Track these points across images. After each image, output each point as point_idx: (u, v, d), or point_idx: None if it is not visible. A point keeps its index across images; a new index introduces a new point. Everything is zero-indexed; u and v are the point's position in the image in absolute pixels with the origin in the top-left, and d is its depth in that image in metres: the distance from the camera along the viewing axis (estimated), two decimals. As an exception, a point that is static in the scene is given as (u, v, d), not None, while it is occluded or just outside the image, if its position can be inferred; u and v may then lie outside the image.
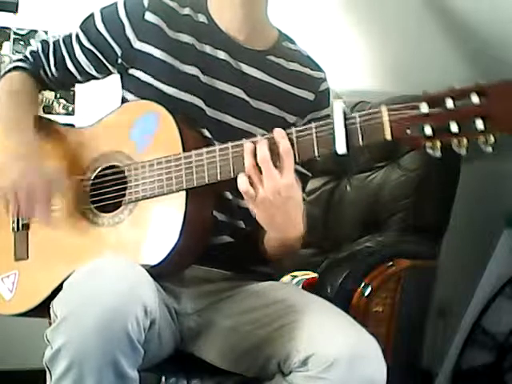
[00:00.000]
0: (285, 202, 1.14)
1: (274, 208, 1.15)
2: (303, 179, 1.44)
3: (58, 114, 2.37)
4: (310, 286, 1.68)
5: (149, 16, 1.37)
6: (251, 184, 1.14)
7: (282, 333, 1.19)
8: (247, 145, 1.16)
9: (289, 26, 1.53)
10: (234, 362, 1.28)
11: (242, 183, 1.15)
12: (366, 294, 1.58)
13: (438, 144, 1.03)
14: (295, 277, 1.77)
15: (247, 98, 1.38)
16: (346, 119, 1.09)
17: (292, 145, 1.14)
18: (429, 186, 1.84)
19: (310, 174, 1.46)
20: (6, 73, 1.48)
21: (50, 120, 1.48)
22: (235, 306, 1.32)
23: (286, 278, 1.77)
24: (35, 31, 2.35)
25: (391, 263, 1.64)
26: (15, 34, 2.33)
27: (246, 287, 1.37)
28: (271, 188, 1.13)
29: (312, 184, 1.58)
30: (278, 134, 1.15)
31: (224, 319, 1.32)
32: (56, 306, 1.07)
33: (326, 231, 1.97)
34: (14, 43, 2.33)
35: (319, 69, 1.47)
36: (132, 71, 1.38)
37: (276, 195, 1.13)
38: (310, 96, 1.44)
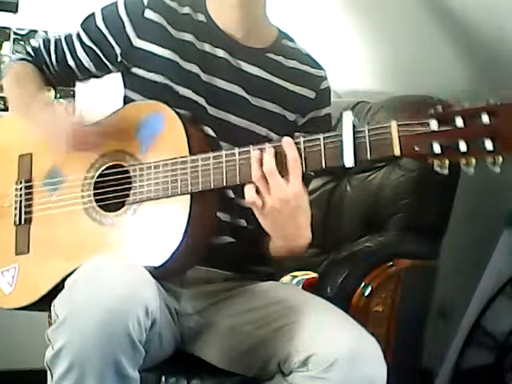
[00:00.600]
0: (293, 211, 1.15)
1: (282, 217, 1.15)
2: (307, 180, 1.45)
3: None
4: (309, 286, 1.68)
5: (149, 14, 1.37)
6: (258, 193, 1.14)
7: (282, 333, 1.19)
8: (254, 153, 1.15)
9: (289, 25, 1.53)
10: (234, 362, 1.28)
11: (250, 195, 1.15)
12: (366, 294, 1.58)
13: (446, 162, 1.03)
14: (295, 277, 1.77)
15: (247, 96, 1.39)
16: (354, 132, 1.09)
17: (300, 155, 1.13)
18: (429, 186, 1.83)
19: (313, 174, 1.46)
20: (10, 65, 1.49)
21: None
22: (235, 306, 1.33)
23: (286, 278, 1.77)
24: (35, 31, 2.35)
25: (391, 263, 1.64)
26: (15, 34, 2.33)
27: (247, 287, 1.37)
28: (278, 197, 1.13)
29: (312, 184, 1.57)
30: (287, 143, 1.14)
31: (224, 319, 1.32)
32: (57, 305, 1.07)
33: (326, 231, 1.97)
34: (13, 43, 2.33)
35: (319, 67, 1.47)
36: (134, 70, 1.39)
37: (283, 204, 1.13)
38: (311, 94, 1.44)
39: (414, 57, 2.28)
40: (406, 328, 1.71)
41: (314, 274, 1.76)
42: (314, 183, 2.01)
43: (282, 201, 1.13)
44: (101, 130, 1.34)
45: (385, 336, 1.61)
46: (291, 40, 1.48)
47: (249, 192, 1.15)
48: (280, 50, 1.44)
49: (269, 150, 1.14)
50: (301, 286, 1.72)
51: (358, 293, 1.57)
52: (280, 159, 1.14)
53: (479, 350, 2.25)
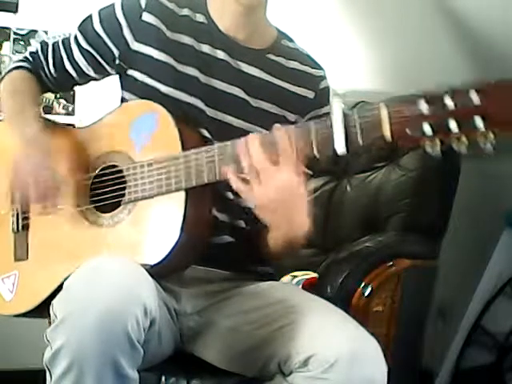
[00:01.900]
0: (286, 198, 1.14)
1: (276, 204, 1.15)
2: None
3: (57, 114, 2.37)
4: (309, 286, 1.68)
5: (146, 17, 1.37)
6: (248, 183, 1.14)
7: (283, 333, 1.19)
8: (240, 144, 1.16)
9: (288, 25, 1.53)
10: (234, 362, 1.28)
11: (232, 181, 1.16)
12: (366, 294, 1.58)
13: (438, 143, 1.03)
14: (295, 277, 1.77)
15: (247, 97, 1.38)
16: (345, 119, 1.09)
17: (290, 142, 1.13)
18: (429, 185, 1.84)
19: (311, 173, 1.46)
20: (7, 73, 1.48)
21: (49, 120, 1.48)
22: (235, 306, 1.32)
23: (286, 278, 1.77)
24: (35, 31, 2.35)
25: (391, 263, 1.64)
26: (15, 34, 2.33)
27: (246, 287, 1.37)
28: (270, 185, 1.13)
29: (312, 184, 1.57)
30: (278, 131, 1.15)
31: (224, 319, 1.32)
32: (56, 306, 1.07)
33: (326, 231, 1.97)
34: (13, 43, 2.33)
35: (318, 67, 1.47)
36: (131, 72, 1.38)
37: (278, 192, 1.13)
38: (310, 94, 1.44)
39: (414, 57, 2.28)
40: (406, 328, 1.71)
41: (314, 274, 1.76)
42: (314, 183, 2.01)
43: (273, 188, 1.13)
44: (95, 132, 1.35)
45: (385, 336, 1.61)
46: (291, 40, 1.48)
47: (231, 179, 1.16)
48: (280, 51, 1.44)
49: (252, 141, 1.15)
50: (301, 285, 1.72)
51: (357, 293, 1.57)
52: (271, 147, 1.13)
53: (479, 350, 2.26)
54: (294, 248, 1.30)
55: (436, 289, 1.85)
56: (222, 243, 1.35)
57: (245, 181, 1.15)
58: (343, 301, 1.53)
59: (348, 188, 2.01)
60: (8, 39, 2.32)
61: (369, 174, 1.96)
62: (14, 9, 2.31)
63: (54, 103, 2.38)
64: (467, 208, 2.03)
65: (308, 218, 1.20)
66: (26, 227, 1.38)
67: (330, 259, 1.84)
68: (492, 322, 2.23)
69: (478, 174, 2.02)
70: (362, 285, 1.58)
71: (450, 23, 2.17)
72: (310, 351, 1.11)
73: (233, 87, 1.38)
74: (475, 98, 1.00)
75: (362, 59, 2.42)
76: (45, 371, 1.06)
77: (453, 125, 1.00)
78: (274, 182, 1.13)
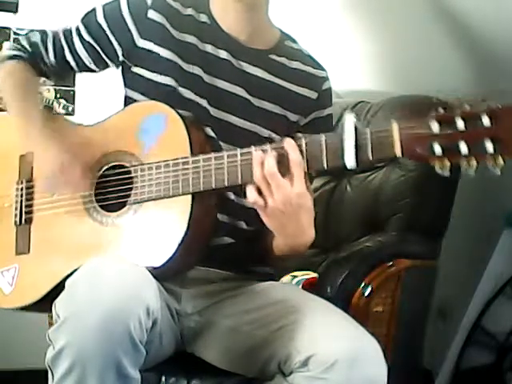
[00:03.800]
0: (296, 211, 1.15)
1: (286, 217, 1.15)
2: (310, 179, 1.45)
3: (57, 114, 2.37)
4: (310, 286, 1.68)
5: (152, 14, 1.37)
6: (260, 194, 1.14)
7: (283, 333, 1.19)
8: (256, 155, 1.15)
9: (290, 25, 1.53)
10: (235, 362, 1.28)
11: (251, 195, 1.15)
12: (366, 294, 1.58)
13: (447, 163, 1.03)
14: (295, 277, 1.77)
15: (249, 97, 1.39)
16: (356, 134, 1.09)
17: (301, 154, 1.13)
18: (429, 185, 1.83)
19: (314, 174, 1.47)
20: (1, 61, 1.47)
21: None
22: (236, 306, 1.33)
23: (286, 278, 1.77)
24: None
25: (391, 263, 1.64)
26: (15, 34, 2.33)
27: (247, 287, 1.37)
28: (281, 198, 1.13)
29: (312, 184, 1.57)
30: (289, 145, 1.14)
31: (224, 319, 1.32)
32: (58, 306, 1.07)
33: (326, 231, 1.97)
34: (13, 43, 2.33)
35: (321, 68, 1.47)
36: (136, 69, 1.39)
37: (287, 205, 1.14)
38: (313, 95, 1.44)
39: (414, 57, 2.28)
40: (406, 328, 1.71)
41: (314, 274, 1.76)
42: (314, 183, 2.01)
43: (284, 201, 1.13)
44: (103, 130, 1.34)
45: (385, 336, 1.61)
46: (293, 41, 1.48)
47: (250, 193, 1.15)
48: (283, 52, 1.44)
49: (270, 155, 1.14)
50: (301, 285, 1.72)
51: (357, 293, 1.57)
52: (282, 160, 1.14)
53: (479, 350, 2.25)
54: (299, 254, 1.31)
55: (436, 289, 1.85)
56: (222, 244, 1.36)
57: (259, 191, 1.15)
58: (343, 301, 1.53)
59: (348, 188, 2.00)
60: (8, 39, 2.32)
61: (369, 173, 1.95)
62: (14, 9, 2.31)
63: (54, 103, 2.38)
64: (467, 208, 2.02)
65: (313, 229, 1.20)
66: (29, 221, 1.37)
67: (330, 259, 1.84)
68: (492, 322, 2.23)
69: (478, 174, 2.02)
70: (362, 285, 1.58)
71: (450, 23, 2.17)
72: (310, 351, 1.11)
73: (235, 87, 1.38)
74: (486, 121, 1.00)
75: (362, 59, 2.41)
76: (46, 371, 1.06)
77: (463, 147, 1.01)
78: (282, 194, 1.13)
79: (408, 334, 1.74)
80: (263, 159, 1.14)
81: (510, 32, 1.99)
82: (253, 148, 1.17)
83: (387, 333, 1.63)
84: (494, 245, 2.21)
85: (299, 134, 1.18)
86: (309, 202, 1.16)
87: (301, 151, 1.14)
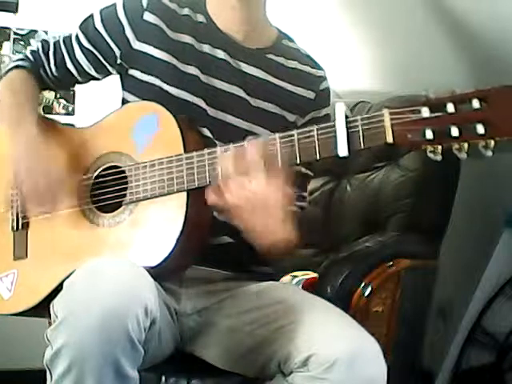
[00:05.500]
0: (260, 208, 1.15)
1: (248, 214, 1.16)
2: (305, 179, 1.45)
3: (57, 114, 2.37)
4: (309, 286, 1.68)
5: (148, 16, 1.37)
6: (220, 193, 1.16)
7: (282, 333, 1.19)
8: (219, 155, 1.18)
9: (288, 25, 1.53)
10: (234, 362, 1.28)
11: (210, 197, 1.17)
12: (366, 294, 1.58)
13: (439, 148, 1.04)
14: (295, 277, 1.77)
15: (247, 97, 1.39)
16: (347, 122, 1.10)
17: (293, 146, 1.14)
18: (429, 185, 1.84)
19: (312, 174, 1.46)
20: (7, 72, 1.48)
21: (51, 120, 1.48)
22: (235, 306, 1.32)
23: (286, 278, 1.77)
24: (35, 31, 2.35)
25: (391, 263, 1.64)
26: (15, 34, 2.33)
27: (246, 287, 1.37)
28: (238, 195, 1.14)
29: (312, 184, 1.57)
30: (249, 143, 1.16)
31: (224, 319, 1.32)
32: (56, 306, 1.07)
33: (326, 231, 1.97)
34: (14, 43, 2.33)
35: (319, 67, 1.47)
36: (132, 72, 1.39)
37: (247, 203, 1.15)
38: (311, 94, 1.44)
39: (414, 57, 2.28)
40: (406, 328, 1.71)
41: (314, 274, 1.76)
42: (314, 183, 2.01)
43: (242, 199, 1.14)
44: (97, 132, 1.35)
45: (385, 336, 1.61)
46: (291, 40, 1.48)
47: (209, 195, 1.17)
48: (280, 51, 1.44)
49: (230, 152, 1.16)
50: (301, 285, 1.72)
51: (357, 293, 1.58)
52: (240, 159, 1.15)
53: (479, 350, 2.26)
54: (287, 252, 1.30)
55: (436, 289, 1.85)
56: (221, 243, 1.35)
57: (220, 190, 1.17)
58: (343, 301, 1.53)
59: (348, 188, 2.01)
60: (8, 39, 2.32)
61: (369, 174, 1.96)
62: (14, 9, 2.31)
63: (54, 103, 2.39)
64: (467, 208, 2.03)
65: (284, 223, 1.19)
66: (25, 226, 1.38)
67: (330, 259, 1.84)
68: (492, 322, 2.23)
69: (478, 174, 2.02)
70: (362, 285, 1.58)
71: (450, 23, 2.17)
72: (309, 351, 1.11)
73: (233, 87, 1.38)
74: (477, 104, 1.00)
75: (361, 59, 2.42)
76: (45, 371, 1.06)
77: (454, 130, 1.01)
78: (242, 191, 1.14)
79: (408, 334, 1.74)
80: (222, 159, 1.16)
81: (510, 32, 1.99)
82: (245, 142, 1.18)
83: (387, 333, 1.63)
84: (494, 245, 2.21)
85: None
86: (272, 199, 1.16)
87: (292, 144, 1.14)
